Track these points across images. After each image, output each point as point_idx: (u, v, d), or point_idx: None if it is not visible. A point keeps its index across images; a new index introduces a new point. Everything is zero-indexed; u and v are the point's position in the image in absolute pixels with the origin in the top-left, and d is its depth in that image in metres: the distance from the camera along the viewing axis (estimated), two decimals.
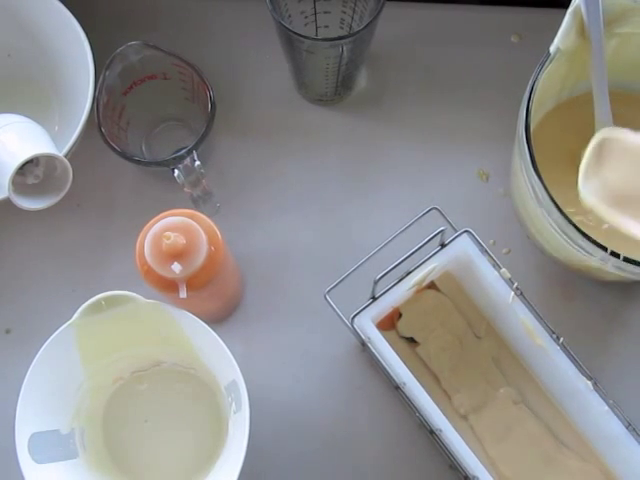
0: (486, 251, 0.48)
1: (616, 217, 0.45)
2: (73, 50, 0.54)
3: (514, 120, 0.48)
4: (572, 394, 0.48)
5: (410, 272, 0.48)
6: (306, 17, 0.56)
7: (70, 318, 0.45)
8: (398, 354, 0.47)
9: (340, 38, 0.48)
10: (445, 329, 0.53)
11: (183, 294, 0.44)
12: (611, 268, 0.46)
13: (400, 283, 0.48)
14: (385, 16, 0.50)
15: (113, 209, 0.59)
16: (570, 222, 0.45)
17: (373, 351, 0.47)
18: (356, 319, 0.48)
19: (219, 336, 0.45)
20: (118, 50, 0.50)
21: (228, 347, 0.44)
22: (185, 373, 0.53)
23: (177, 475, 0.52)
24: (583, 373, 0.47)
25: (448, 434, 0.46)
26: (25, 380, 0.44)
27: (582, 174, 0.46)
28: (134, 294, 0.45)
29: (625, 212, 0.45)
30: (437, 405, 0.46)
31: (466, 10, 0.63)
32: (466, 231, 0.48)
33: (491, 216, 0.58)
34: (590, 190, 0.46)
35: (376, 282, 0.46)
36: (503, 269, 0.48)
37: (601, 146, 0.47)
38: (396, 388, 0.48)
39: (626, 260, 0.44)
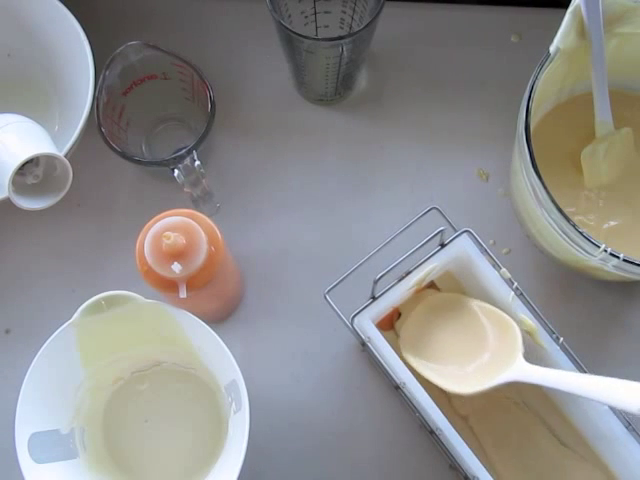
0: (486, 251, 0.48)
1: (418, 365, 0.49)
2: (73, 50, 0.54)
3: (514, 120, 0.48)
4: (572, 394, 0.48)
5: (410, 272, 0.48)
6: (306, 17, 0.56)
7: (70, 318, 0.45)
8: (398, 354, 0.47)
9: (340, 38, 0.48)
10: None
11: (183, 294, 0.44)
12: (611, 268, 0.46)
13: (400, 283, 0.48)
14: (385, 16, 0.50)
15: (113, 209, 0.59)
16: (570, 222, 0.45)
17: (373, 351, 0.47)
18: (356, 319, 0.48)
19: (219, 336, 0.45)
20: (118, 50, 0.50)
21: (228, 347, 0.44)
22: (185, 373, 0.53)
23: (177, 475, 0.52)
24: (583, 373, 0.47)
25: (448, 434, 0.46)
26: (25, 380, 0.44)
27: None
28: (134, 294, 0.45)
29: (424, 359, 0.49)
30: (437, 405, 0.46)
31: (466, 10, 0.63)
32: (466, 231, 0.48)
33: (491, 216, 0.58)
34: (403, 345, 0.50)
35: (376, 282, 0.46)
36: (503, 269, 0.48)
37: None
38: (396, 388, 0.48)
39: (626, 260, 0.44)
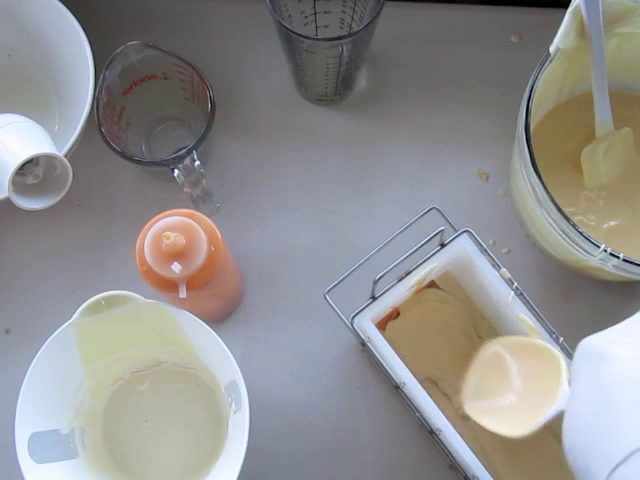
0: (486, 251, 0.48)
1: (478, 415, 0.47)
2: (73, 50, 0.54)
3: (514, 120, 0.48)
4: None
5: (410, 272, 0.48)
6: (306, 17, 0.56)
7: (70, 318, 0.45)
8: (397, 354, 0.47)
9: (340, 38, 0.48)
10: None
11: (183, 294, 0.44)
12: (611, 268, 0.46)
13: (400, 283, 0.48)
14: (385, 16, 0.50)
15: (113, 209, 0.59)
16: (570, 222, 0.45)
17: (373, 351, 0.47)
18: (356, 319, 0.48)
19: (219, 336, 0.45)
20: (118, 50, 0.50)
21: (228, 347, 0.44)
22: (185, 373, 0.53)
23: (177, 475, 0.52)
24: None
25: (448, 434, 0.46)
26: (25, 380, 0.44)
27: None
28: (134, 294, 0.45)
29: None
30: (437, 405, 0.46)
31: (466, 10, 0.63)
32: (466, 231, 0.48)
33: (491, 216, 0.58)
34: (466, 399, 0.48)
35: (376, 282, 0.46)
36: (503, 269, 0.48)
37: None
38: (396, 388, 0.48)
39: (626, 260, 0.44)
